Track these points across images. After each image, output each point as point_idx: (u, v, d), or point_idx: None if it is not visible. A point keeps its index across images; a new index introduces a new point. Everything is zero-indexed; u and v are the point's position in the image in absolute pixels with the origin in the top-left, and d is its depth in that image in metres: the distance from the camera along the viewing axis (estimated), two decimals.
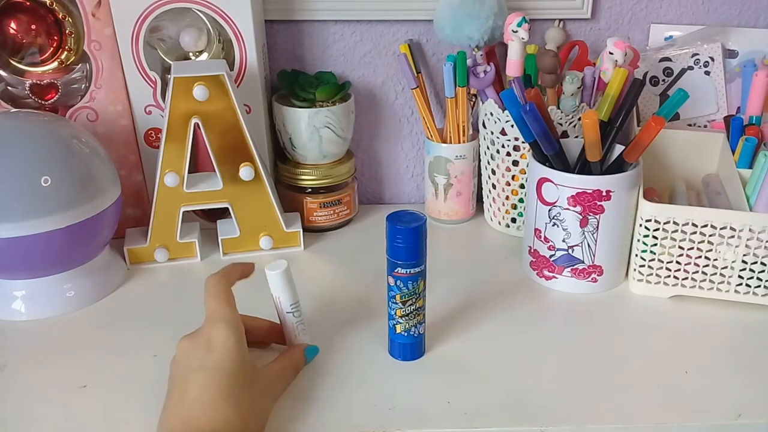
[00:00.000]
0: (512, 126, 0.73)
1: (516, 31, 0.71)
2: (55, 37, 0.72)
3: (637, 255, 0.66)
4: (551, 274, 0.68)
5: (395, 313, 0.56)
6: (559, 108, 0.72)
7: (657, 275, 0.66)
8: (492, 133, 0.76)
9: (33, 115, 0.65)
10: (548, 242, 0.67)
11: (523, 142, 0.74)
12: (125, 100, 0.73)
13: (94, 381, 0.56)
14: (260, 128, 0.76)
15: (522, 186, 0.76)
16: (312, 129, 0.75)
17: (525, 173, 0.75)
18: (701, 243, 0.63)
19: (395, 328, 0.57)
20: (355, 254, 0.76)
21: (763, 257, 0.62)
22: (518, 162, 0.75)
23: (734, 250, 0.63)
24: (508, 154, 0.75)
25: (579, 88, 0.71)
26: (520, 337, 0.61)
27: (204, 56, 0.76)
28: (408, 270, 0.53)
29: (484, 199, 0.83)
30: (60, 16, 0.70)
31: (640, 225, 0.65)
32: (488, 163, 0.78)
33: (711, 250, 0.63)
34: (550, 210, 0.65)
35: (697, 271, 0.65)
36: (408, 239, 0.52)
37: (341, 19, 0.79)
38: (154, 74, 0.72)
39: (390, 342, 0.58)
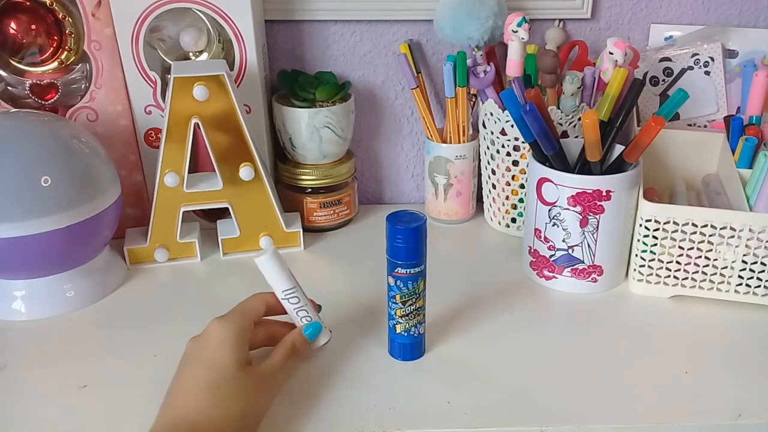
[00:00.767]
0: (512, 126, 0.73)
1: (516, 31, 0.71)
2: (55, 37, 0.72)
3: (637, 255, 0.66)
4: (551, 274, 0.68)
5: (395, 313, 0.56)
6: (559, 108, 0.72)
7: (657, 275, 0.66)
8: (492, 133, 0.76)
9: (33, 115, 0.65)
10: (548, 242, 0.67)
11: (523, 142, 0.74)
12: (125, 100, 0.73)
13: (94, 381, 0.56)
14: (260, 128, 0.76)
15: (522, 186, 0.76)
16: (312, 129, 0.75)
17: (525, 173, 0.75)
18: (701, 243, 0.63)
19: (395, 328, 0.57)
20: (355, 254, 0.76)
21: (763, 257, 0.62)
22: (518, 162, 0.75)
23: (734, 250, 0.63)
24: (508, 154, 0.75)
25: (579, 88, 0.71)
26: (520, 337, 0.61)
27: (204, 56, 0.76)
28: (408, 270, 0.53)
29: (484, 199, 0.83)
30: (60, 16, 0.70)
31: (640, 225, 0.65)
32: (488, 163, 0.78)
33: (711, 250, 0.63)
34: (550, 210, 0.65)
35: (697, 271, 0.65)
36: (408, 239, 0.52)
37: (341, 19, 0.79)
38: (154, 74, 0.72)
39: (390, 342, 0.58)
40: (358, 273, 0.72)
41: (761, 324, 0.63)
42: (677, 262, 0.65)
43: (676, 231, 0.63)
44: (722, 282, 0.64)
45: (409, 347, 0.58)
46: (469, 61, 0.75)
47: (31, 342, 0.61)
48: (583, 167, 0.66)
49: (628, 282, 0.69)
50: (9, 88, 0.71)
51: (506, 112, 0.73)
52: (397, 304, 0.55)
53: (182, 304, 0.66)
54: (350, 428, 0.51)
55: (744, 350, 0.60)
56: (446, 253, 0.76)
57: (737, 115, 0.75)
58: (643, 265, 0.66)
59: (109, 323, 0.64)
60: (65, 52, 0.72)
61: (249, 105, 0.75)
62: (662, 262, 0.65)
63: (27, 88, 0.71)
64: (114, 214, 0.67)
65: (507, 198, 0.78)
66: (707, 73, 0.80)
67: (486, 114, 0.76)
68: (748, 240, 0.62)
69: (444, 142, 0.79)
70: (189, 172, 0.70)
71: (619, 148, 0.66)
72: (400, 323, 0.56)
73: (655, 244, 0.65)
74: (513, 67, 0.74)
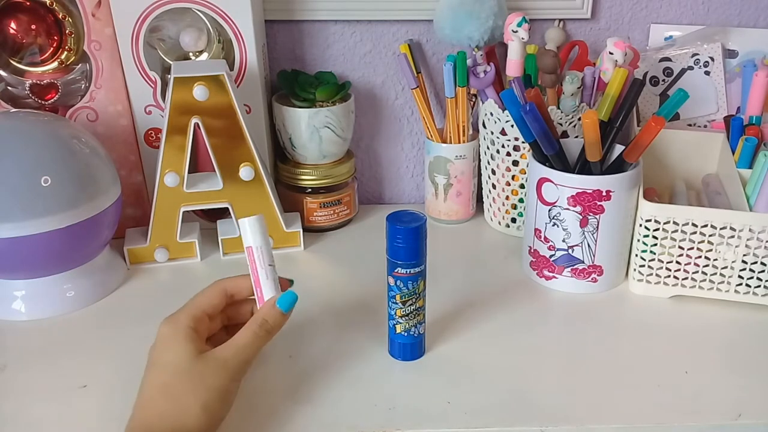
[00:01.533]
0: (512, 126, 0.73)
1: (516, 31, 0.71)
2: (55, 37, 0.72)
3: (637, 255, 0.66)
4: (551, 274, 0.68)
5: (395, 313, 0.56)
6: (559, 108, 0.72)
7: (657, 275, 0.66)
8: (492, 133, 0.76)
9: (33, 115, 0.65)
10: (548, 242, 0.67)
11: (523, 142, 0.74)
12: (125, 100, 0.73)
13: (94, 381, 0.56)
14: (260, 128, 0.76)
15: (522, 186, 0.76)
16: (312, 129, 0.75)
17: (525, 173, 0.75)
18: (701, 243, 0.63)
19: (395, 328, 0.57)
20: (355, 254, 0.76)
21: (763, 257, 0.62)
22: (518, 162, 0.75)
23: (734, 250, 0.63)
24: (508, 154, 0.75)
25: (579, 88, 0.71)
26: (520, 337, 0.61)
27: (204, 56, 0.76)
28: (408, 270, 0.53)
29: (484, 199, 0.83)
30: (60, 16, 0.70)
31: (640, 225, 0.65)
32: (488, 163, 0.78)
33: (711, 250, 0.63)
34: (550, 210, 0.65)
35: (697, 271, 0.65)
36: (408, 239, 0.52)
37: (341, 19, 0.79)
38: (154, 74, 0.72)
39: (390, 342, 0.58)
40: (358, 273, 0.72)
41: (761, 324, 0.63)
42: (677, 262, 0.65)
43: (676, 231, 0.63)
44: (722, 282, 0.64)
45: (409, 347, 0.58)
46: (469, 61, 0.75)
47: (31, 342, 0.61)
48: (583, 167, 0.66)
49: (628, 282, 0.69)
50: (9, 88, 0.71)
51: (506, 112, 0.73)
52: (397, 304, 0.55)
53: (182, 304, 0.66)
54: (350, 428, 0.51)
55: (744, 350, 0.60)
56: (446, 253, 0.76)
57: (737, 115, 0.75)
58: (643, 265, 0.66)
59: (109, 323, 0.64)
60: (65, 52, 0.72)
61: (249, 105, 0.75)
62: (662, 262, 0.65)
63: (27, 88, 0.71)
64: (114, 214, 0.67)
65: (507, 198, 0.78)
66: (707, 73, 0.80)
67: (486, 114, 0.76)
68: (748, 240, 0.62)
69: (444, 142, 0.79)
70: (189, 172, 0.70)
71: (619, 148, 0.66)
72: (400, 323, 0.56)
73: (655, 244, 0.65)
74: (513, 67, 0.74)
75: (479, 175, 0.82)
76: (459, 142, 0.78)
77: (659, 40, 0.82)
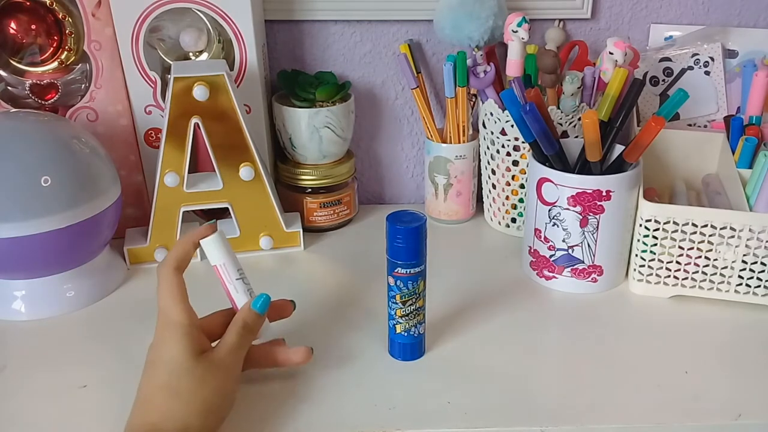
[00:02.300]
0: (512, 126, 0.73)
1: (516, 31, 0.71)
2: (55, 37, 0.72)
3: (637, 255, 0.66)
4: (551, 274, 0.68)
5: (395, 313, 0.56)
6: (559, 108, 0.72)
7: (657, 275, 0.66)
8: (492, 133, 0.76)
9: (33, 115, 0.65)
10: (548, 242, 0.67)
11: (523, 142, 0.74)
12: (125, 100, 0.73)
13: (94, 381, 0.56)
14: (260, 128, 0.76)
15: (522, 186, 0.76)
16: (312, 129, 0.75)
17: (525, 173, 0.75)
18: (701, 243, 0.63)
19: (395, 328, 0.57)
20: (355, 254, 0.76)
21: (763, 257, 0.62)
22: (518, 162, 0.75)
23: (734, 250, 0.63)
24: (508, 154, 0.75)
25: (579, 88, 0.71)
26: (520, 337, 0.61)
27: (204, 56, 0.76)
28: (408, 270, 0.53)
29: (484, 199, 0.83)
30: (60, 16, 0.70)
31: (640, 225, 0.65)
32: (488, 163, 0.78)
33: (711, 250, 0.63)
34: (550, 210, 0.65)
35: (697, 271, 0.65)
36: (408, 239, 0.52)
37: (341, 19, 0.79)
38: (154, 74, 0.72)
39: (390, 342, 0.58)
40: (358, 273, 0.72)
41: (761, 324, 0.63)
42: (677, 262, 0.65)
43: (676, 231, 0.63)
44: (722, 282, 0.64)
45: (409, 347, 0.58)
46: (469, 61, 0.75)
47: (31, 342, 0.61)
48: (583, 167, 0.66)
49: (628, 282, 0.69)
50: (9, 88, 0.71)
51: (506, 112, 0.73)
52: (397, 304, 0.55)
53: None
54: (350, 428, 0.51)
55: (744, 350, 0.60)
56: (446, 253, 0.76)
57: (737, 115, 0.75)
58: (643, 265, 0.66)
59: (109, 323, 0.64)
60: (65, 52, 0.72)
61: (249, 105, 0.75)
62: (662, 262, 0.65)
63: (27, 88, 0.71)
64: (114, 214, 0.67)
65: (507, 198, 0.78)
66: (707, 73, 0.80)
67: (486, 114, 0.76)
68: (748, 240, 0.62)
69: (444, 142, 0.79)
70: (189, 172, 0.70)
71: (619, 148, 0.66)
72: (400, 323, 0.56)
73: (655, 244, 0.65)
74: (513, 67, 0.74)
75: (479, 175, 0.82)
76: (459, 142, 0.78)
77: (659, 40, 0.82)
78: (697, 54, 0.80)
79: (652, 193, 0.76)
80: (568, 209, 0.64)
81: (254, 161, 0.71)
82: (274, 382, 0.56)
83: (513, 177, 0.77)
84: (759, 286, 0.63)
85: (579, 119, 0.72)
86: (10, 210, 0.59)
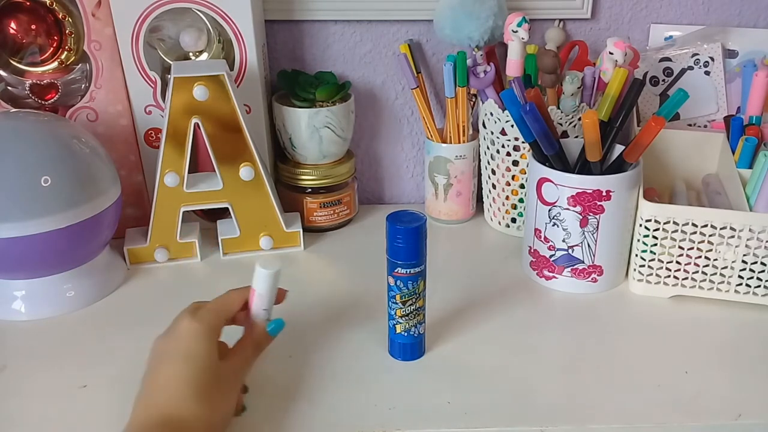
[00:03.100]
0: (512, 126, 0.73)
1: (516, 31, 0.71)
2: (55, 37, 0.72)
3: (637, 255, 0.66)
4: (551, 274, 0.68)
5: (395, 313, 0.56)
6: (559, 108, 0.72)
7: (657, 275, 0.66)
8: (492, 133, 0.76)
9: (33, 115, 0.65)
10: (548, 242, 0.67)
11: (523, 142, 0.74)
12: (125, 100, 0.73)
13: (94, 381, 0.56)
14: (260, 128, 0.76)
15: (522, 186, 0.76)
16: (312, 129, 0.75)
17: (525, 173, 0.75)
18: (701, 243, 0.63)
19: (395, 328, 0.57)
20: (355, 254, 0.76)
21: (763, 257, 0.62)
22: (518, 162, 0.75)
23: (734, 250, 0.63)
24: (508, 154, 0.75)
25: (579, 88, 0.71)
26: (520, 337, 0.61)
27: (204, 56, 0.76)
28: (408, 270, 0.53)
29: (484, 199, 0.83)
30: (60, 16, 0.70)
31: (640, 225, 0.65)
32: (488, 163, 0.78)
33: (711, 250, 0.63)
34: (550, 210, 0.65)
35: (697, 271, 0.65)
36: (408, 239, 0.52)
37: (341, 19, 0.79)
38: (154, 74, 0.72)
39: (390, 342, 0.58)
40: (358, 273, 0.72)
41: (761, 324, 0.63)
42: (677, 262, 0.65)
43: (676, 231, 0.63)
44: (722, 282, 0.64)
45: (409, 347, 0.58)
46: (469, 61, 0.75)
47: (31, 342, 0.61)
48: (583, 167, 0.66)
49: (628, 282, 0.69)
50: (9, 88, 0.71)
51: (506, 112, 0.73)
52: (397, 304, 0.55)
53: (182, 305, 0.65)
54: (350, 428, 0.51)
55: (744, 350, 0.60)
56: (446, 253, 0.76)
57: (737, 115, 0.75)
58: (643, 265, 0.66)
59: (109, 323, 0.64)
60: (65, 52, 0.72)
61: (249, 105, 0.75)
62: (662, 262, 0.65)
63: (27, 88, 0.71)
64: (114, 214, 0.67)
65: (507, 198, 0.78)
66: (707, 73, 0.80)
67: (486, 114, 0.76)
68: (748, 240, 0.62)
69: (444, 142, 0.79)
70: (189, 172, 0.70)
71: (619, 148, 0.66)
72: (400, 323, 0.56)
73: (655, 244, 0.65)
74: (513, 67, 0.74)
75: (479, 175, 0.82)
76: (459, 142, 0.78)
77: (659, 40, 0.82)
78: (697, 54, 0.80)
79: (652, 193, 0.76)
80: (568, 209, 0.64)
81: (254, 161, 0.71)
82: (274, 381, 0.56)
83: (513, 177, 0.77)
84: (759, 286, 0.63)
85: (579, 119, 0.72)
86: (10, 210, 0.59)
